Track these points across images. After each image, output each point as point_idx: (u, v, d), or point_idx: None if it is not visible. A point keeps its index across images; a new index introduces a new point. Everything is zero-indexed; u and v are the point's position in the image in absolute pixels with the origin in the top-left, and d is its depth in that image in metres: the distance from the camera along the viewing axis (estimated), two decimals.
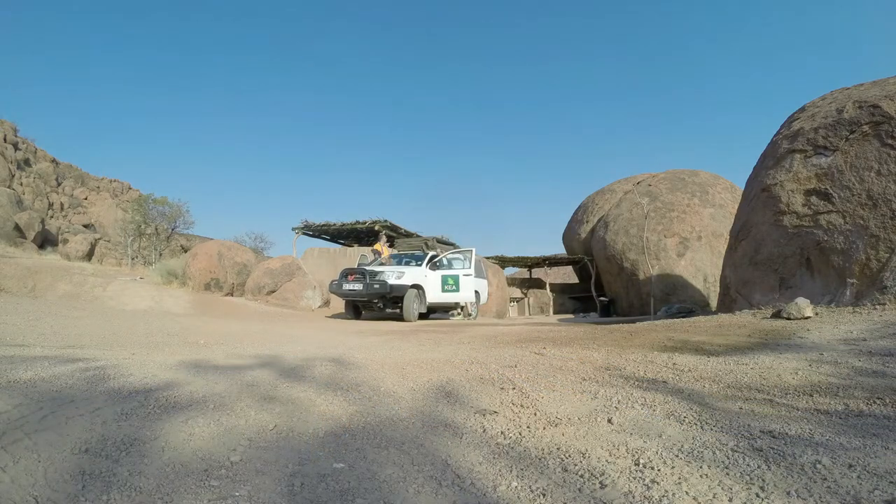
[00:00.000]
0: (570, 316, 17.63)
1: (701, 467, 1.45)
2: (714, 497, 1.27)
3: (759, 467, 1.43)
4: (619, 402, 2.17)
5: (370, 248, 12.03)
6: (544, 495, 1.34)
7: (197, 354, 3.42)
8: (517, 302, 20.23)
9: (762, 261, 5.93)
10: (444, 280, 10.10)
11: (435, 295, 9.90)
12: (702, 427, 1.80)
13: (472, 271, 10.55)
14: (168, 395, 2.18)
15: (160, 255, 20.68)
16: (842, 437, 1.63)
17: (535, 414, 2.04)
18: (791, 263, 5.55)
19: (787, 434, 1.68)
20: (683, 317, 7.90)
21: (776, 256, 5.73)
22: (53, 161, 25.24)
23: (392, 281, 8.97)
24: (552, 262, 21.36)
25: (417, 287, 9.39)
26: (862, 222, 4.88)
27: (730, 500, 1.25)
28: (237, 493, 1.34)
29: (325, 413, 2.04)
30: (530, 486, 1.39)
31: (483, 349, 3.85)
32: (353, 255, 14.82)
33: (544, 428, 1.86)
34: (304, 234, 17.00)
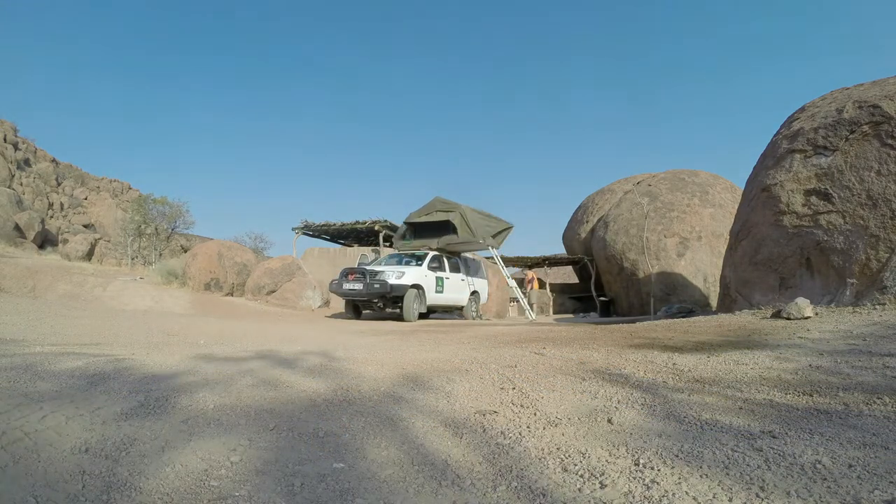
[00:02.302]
0: (570, 316, 17.64)
1: (701, 467, 1.45)
2: (714, 497, 1.27)
3: (759, 467, 1.43)
4: (619, 402, 2.17)
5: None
6: (544, 495, 1.34)
7: (197, 353, 3.42)
8: (517, 302, 20.26)
9: (762, 261, 5.93)
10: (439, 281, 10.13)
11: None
12: (702, 427, 1.80)
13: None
14: (164, 395, 2.18)
15: (160, 255, 20.70)
16: (842, 436, 1.63)
17: (535, 414, 2.04)
18: (791, 263, 5.55)
19: (787, 434, 1.68)
20: (683, 317, 7.91)
21: (776, 256, 5.73)
22: (53, 161, 25.25)
23: (392, 281, 8.98)
24: (552, 262, 21.36)
25: (417, 287, 9.39)
26: (862, 222, 4.88)
27: (730, 500, 1.25)
28: (237, 493, 1.34)
29: (324, 413, 2.04)
30: (530, 486, 1.39)
31: (483, 349, 3.85)
32: (353, 255, 14.83)
33: (544, 428, 1.86)
34: (304, 234, 17.01)
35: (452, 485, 1.42)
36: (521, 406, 2.15)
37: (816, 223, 5.28)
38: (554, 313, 19.35)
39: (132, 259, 20.14)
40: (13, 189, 20.24)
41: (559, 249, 22.05)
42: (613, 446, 1.65)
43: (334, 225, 16.24)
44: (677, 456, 1.54)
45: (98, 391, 2.18)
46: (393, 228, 15.43)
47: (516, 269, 25.52)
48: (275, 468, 1.50)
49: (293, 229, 16.62)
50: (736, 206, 9.06)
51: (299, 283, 12.66)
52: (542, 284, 14.94)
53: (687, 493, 1.30)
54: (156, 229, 21.42)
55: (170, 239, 22.75)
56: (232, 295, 12.54)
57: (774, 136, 6.52)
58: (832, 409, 1.94)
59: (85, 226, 24.04)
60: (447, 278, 10.49)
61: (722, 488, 1.31)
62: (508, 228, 12.22)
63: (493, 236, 11.71)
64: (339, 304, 11.66)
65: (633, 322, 6.71)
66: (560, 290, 21.80)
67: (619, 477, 1.42)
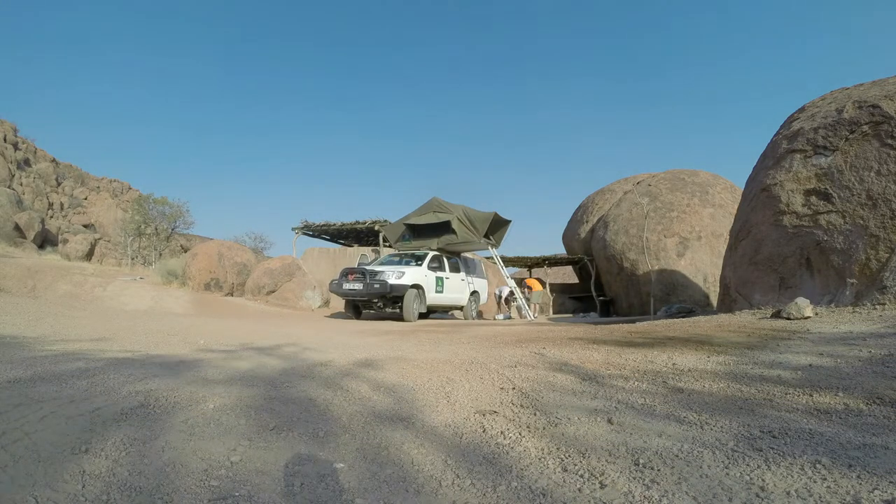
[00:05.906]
0: (570, 315, 17.62)
1: (701, 467, 1.45)
2: (714, 497, 1.27)
3: (759, 467, 1.43)
4: (618, 402, 2.17)
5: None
6: (544, 495, 1.34)
7: (197, 352, 3.42)
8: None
9: (762, 261, 5.93)
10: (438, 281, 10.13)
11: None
12: (702, 427, 1.80)
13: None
14: (161, 397, 2.18)
15: (160, 255, 20.70)
16: (842, 436, 1.63)
17: (535, 414, 2.04)
18: (791, 263, 5.55)
19: (787, 433, 1.68)
20: (683, 317, 7.90)
21: (776, 256, 5.72)
22: (53, 161, 25.26)
23: (392, 281, 8.97)
24: (552, 262, 21.35)
25: (417, 287, 9.38)
26: (862, 222, 4.88)
27: (730, 500, 1.25)
28: (237, 493, 1.34)
29: (324, 414, 2.04)
30: (530, 486, 1.39)
31: (483, 349, 3.85)
32: (353, 255, 14.82)
33: (544, 428, 1.86)
34: (304, 234, 17.00)
35: (452, 485, 1.42)
36: (521, 406, 2.15)
37: (816, 223, 5.28)
38: (554, 313, 19.34)
39: (132, 259, 20.14)
40: (13, 189, 20.25)
41: (559, 249, 22.06)
42: (613, 446, 1.65)
43: (334, 225, 16.23)
44: (677, 456, 1.54)
45: (98, 391, 2.18)
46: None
47: (516, 269, 25.53)
48: (275, 468, 1.50)
49: (293, 229, 16.62)
50: (736, 206, 9.05)
51: (299, 283, 12.66)
52: (542, 284, 15.03)
53: (687, 493, 1.30)
54: (156, 229, 21.42)
55: (170, 239, 22.74)
56: (232, 295, 12.53)
57: (774, 136, 6.52)
58: (832, 408, 1.94)
59: (85, 226, 24.04)
60: (447, 278, 10.49)
61: (722, 488, 1.31)
62: (506, 224, 12.18)
63: (493, 234, 11.68)
64: (338, 304, 11.65)
65: (633, 322, 6.71)
66: (560, 290, 21.78)
67: (619, 477, 1.42)
